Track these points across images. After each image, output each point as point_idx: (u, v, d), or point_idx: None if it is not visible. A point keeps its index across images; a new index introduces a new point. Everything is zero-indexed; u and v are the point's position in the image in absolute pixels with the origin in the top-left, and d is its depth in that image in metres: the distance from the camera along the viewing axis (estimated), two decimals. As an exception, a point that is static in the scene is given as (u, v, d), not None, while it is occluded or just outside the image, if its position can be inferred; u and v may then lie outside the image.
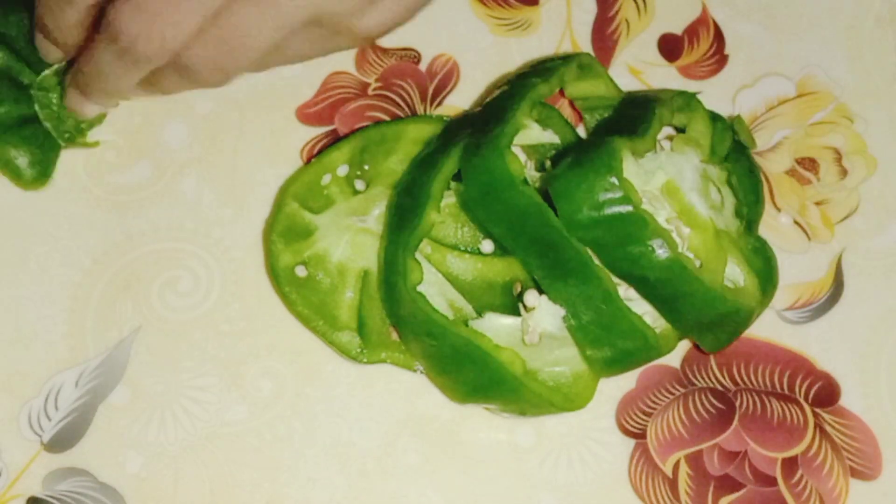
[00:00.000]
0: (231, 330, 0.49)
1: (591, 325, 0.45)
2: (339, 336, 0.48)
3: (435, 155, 0.47)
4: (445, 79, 0.53)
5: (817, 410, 0.48)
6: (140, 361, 0.48)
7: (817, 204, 0.52)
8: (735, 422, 0.48)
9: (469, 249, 0.49)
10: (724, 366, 0.49)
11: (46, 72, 0.50)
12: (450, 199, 0.49)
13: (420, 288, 0.46)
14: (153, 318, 0.49)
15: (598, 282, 0.44)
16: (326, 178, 0.49)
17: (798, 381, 0.49)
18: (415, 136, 0.49)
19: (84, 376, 0.48)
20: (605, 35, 0.54)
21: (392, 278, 0.46)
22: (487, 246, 0.49)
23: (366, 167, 0.50)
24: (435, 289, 0.48)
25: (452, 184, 0.48)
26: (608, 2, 0.55)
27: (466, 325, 0.45)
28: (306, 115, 0.53)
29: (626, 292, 0.45)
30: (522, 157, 0.50)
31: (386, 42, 0.54)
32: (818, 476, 0.48)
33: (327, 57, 0.53)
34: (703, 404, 0.48)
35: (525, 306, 0.46)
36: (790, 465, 0.48)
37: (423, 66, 0.53)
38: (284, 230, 0.48)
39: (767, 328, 0.49)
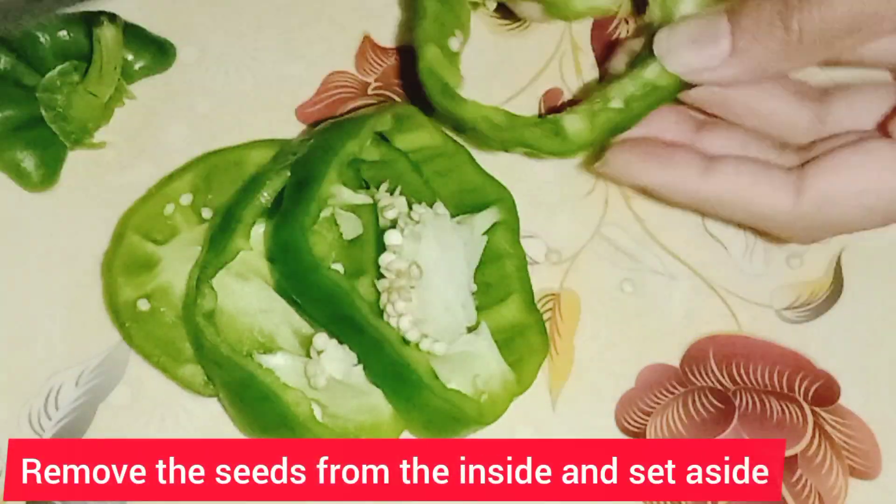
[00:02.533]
0: (231, 329, 0.49)
1: (396, 400, 0.45)
2: (182, 370, 0.46)
3: (252, 182, 0.46)
4: (445, 78, 0.53)
5: (817, 410, 0.48)
6: (140, 361, 0.48)
7: (817, 203, 0.52)
8: (734, 421, 0.48)
9: None
10: (724, 365, 0.49)
11: (51, 73, 0.50)
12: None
13: (262, 316, 0.45)
14: (153, 317, 0.49)
15: (405, 368, 0.43)
16: (169, 208, 0.48)
17: (797, 381, 0.49)
18: (258, 161, 0.48)
19: (84, 376, 0.48)
20: (604, 34, 0.54)
21: (189, 304, 0.45)
22: (337, 269, 0.48)
23: (210, 196, 0.49)
24: (279, 317, 0.47)
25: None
26: (608, 2, 0.55)
27: (253, 359, 0.44)
28: (306, 114, 0.53)
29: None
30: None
31: (386, 41, 0.54)
32: (818, 475, 0.48)
33: (327, 56, 0.53)
34: (702, 403, 0.48)
35: (315, 349, 0.44)
36: (790, 464, 0.48)
37: (422, 66, 0.53)
38: (125, 264, 0.47)
39: (767, 328, 0.49)
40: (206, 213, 0.49)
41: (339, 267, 0.48)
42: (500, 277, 0.48)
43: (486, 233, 0.48)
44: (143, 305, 0.47)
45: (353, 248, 0.48)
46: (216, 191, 0.49)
